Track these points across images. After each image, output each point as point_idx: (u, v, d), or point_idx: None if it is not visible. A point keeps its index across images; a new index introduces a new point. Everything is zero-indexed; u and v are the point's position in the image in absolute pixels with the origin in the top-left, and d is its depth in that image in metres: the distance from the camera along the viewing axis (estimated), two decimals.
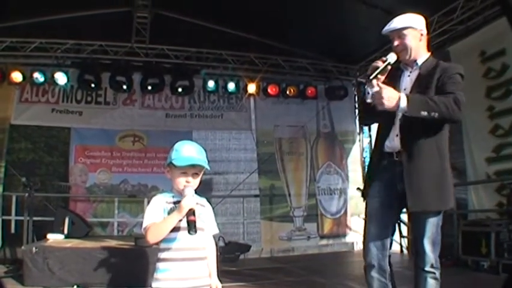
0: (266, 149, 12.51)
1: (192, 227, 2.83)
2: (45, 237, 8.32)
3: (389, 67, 3.58)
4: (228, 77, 12.14)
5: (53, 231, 8.58)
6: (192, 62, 11.85)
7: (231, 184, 12.12)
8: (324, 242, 12.55)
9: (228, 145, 12.34)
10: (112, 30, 10.69)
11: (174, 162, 3.00)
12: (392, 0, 9.32)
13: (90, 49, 11.12)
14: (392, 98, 3.37)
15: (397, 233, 11.36)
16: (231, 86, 12.00)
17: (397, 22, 3.72)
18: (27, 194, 8.46)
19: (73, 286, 6.65)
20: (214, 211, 3.24)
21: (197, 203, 2.98)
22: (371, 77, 3.51)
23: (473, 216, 9.11)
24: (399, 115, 3.58)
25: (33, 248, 6.91)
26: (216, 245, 3.28)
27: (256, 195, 12.25)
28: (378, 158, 3.80)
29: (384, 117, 3.69)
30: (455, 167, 9.36)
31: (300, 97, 12.41)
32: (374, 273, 3.66)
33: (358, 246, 12.51)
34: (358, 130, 13.44)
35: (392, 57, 3.60)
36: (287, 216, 12.35)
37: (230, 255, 10.00)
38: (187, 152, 3.05)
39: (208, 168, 3.07)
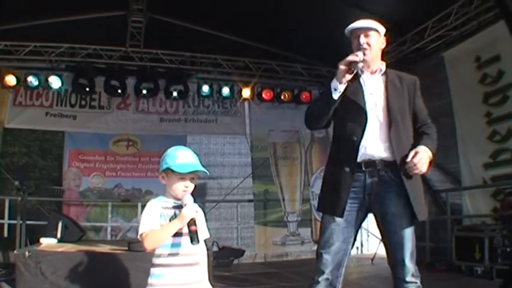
0: (260, 153, 12.51)
1: (194, 237, 2.88)
2: (38, 241, 8.28)
3: (360, 64, 3.47)
4: (222, 82, 12.13)
5: (46, 236, 8.54)
6: (186, 66, 11.83)
7: (225, 189, 12.10)
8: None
9: (222, 150, 12.34)
10: (106, 34, 10.69)
11: (173, 168, 3.00)
12: (386, 7, 9.37)
13: (85, 53, 11.09)
14: (427, 159, 3.42)
15: None
16: (226, 90, 12.00)
17: (364, 22, 3.67)
18: (20, 198, 8.43)
19: None
20: (208, 216, 3.26)
21: (196, 211, 2.99)
22: (353, 70, 3.43)
23: (468, 221, 9.11)
24: (372, 120, 3.50)
25: (26, 252, 6.87)
26: (208, 249, 3.28)
27: (250, 200, 12.25)
28: (350, 166, 3.47)
29: (354, 121, 3.53)
30: (449, 172, 9.40)
31: (294, 102, 12.39)
32: None
33: (352, 251, 12.51)
34: None
35: (361, 56, 3.47)
36: (281, 221, 12.35)
37: (224, 260, 9.99)
38: (185, 158, 3.07)
39: (208, 173, 3.14)
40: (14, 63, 10.78)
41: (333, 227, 3.51)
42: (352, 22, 3.73)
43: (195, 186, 3.11)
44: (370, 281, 8.10)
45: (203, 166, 3.10)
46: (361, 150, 3.46)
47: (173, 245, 2.98)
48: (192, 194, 3.05)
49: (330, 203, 3.57)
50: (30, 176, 10.76)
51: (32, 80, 10.72)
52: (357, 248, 12.98)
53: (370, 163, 3.46)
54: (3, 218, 10.16)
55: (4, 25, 9.50)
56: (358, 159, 3.46)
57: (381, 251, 11.27)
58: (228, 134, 12.49)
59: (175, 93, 11.75)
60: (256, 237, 12.11)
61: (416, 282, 3.41)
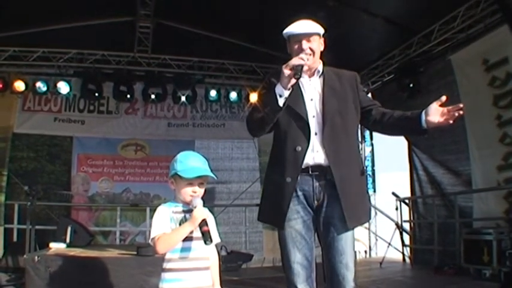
0: (268, 158, 12.46)
1: (207, 237, 2.89)
2: (47, 246, 8.31)
3: (305, 67, 3.36)
4: (230, 87, 12.17)
5: (55, 240, 8.57)
6: (194, 71, 11.86)
7: (234, 193, 12.15)
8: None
9: (230, 154, 12.36)
10: (114, 40, 10.73)
11: (180, 174, 3.02)
12: (392, 9, 9.36)
13: (93, 58, 11.13)
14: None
15: (398, 241, 11.38)
16: (233, 95, 12.03)
17: (307, 26, 3.53)
18: (29, 203, 8.46)
19: None
20: (216, 220, 3.26)
21: (207, 215, 3.00)
22: (297, 76, 3.25)
23: (479, 224, 9.07)
24: (315, 127, 3.40)
25: (36, 257, 6.90)
26: (218, 254, 3.29)
27: (258, 205, 12.17)
28: (292, 175, 3.36)
29: (296, 129, 3.41)
30: (461, 175, 9.37)
31: None
32: None
33: (360, 255, 12.50)
34: (360, 139, 13.43)
35: (306, 59, 3.37)
36: None
37: (232, 265, 9.99)
38: (193, 162, 3.09)
39: (216, 178, 3.11)
40: (23, 69, 10.83)
41: (293, 236, 3.46)
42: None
43: (205, 191, 3.12)
44: (379, 284, 8.06)
45: (212, 171, 3.11)
46: (306, 160, 3.36)
47: (183, 250, 2.99)
48: (202, 198, 3.07)
49: (271, 214, 3.60)
50: (39, 180, 10.79)
51: (41, 86, 10.78)
52: (365, 251, 12.97)
53: (316, 167, 3.36)
54: (12, 223, 10.23)
55: (13, 31, 9.55)
56: (304, 166, 3.36)
57: (390, 254, 11.30)
58: (236, 138, 12.49)
59: (183, 98, 11.74)
60: (265, 242, 12.10)
61: None
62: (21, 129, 11.00)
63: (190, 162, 3.07)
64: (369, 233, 12.93)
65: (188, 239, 2.97)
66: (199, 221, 2.90)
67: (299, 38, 3.50)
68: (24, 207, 9.26)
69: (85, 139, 11.47)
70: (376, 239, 12.70)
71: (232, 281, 8.22)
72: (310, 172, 3.36)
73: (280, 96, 3.30)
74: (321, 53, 3.60)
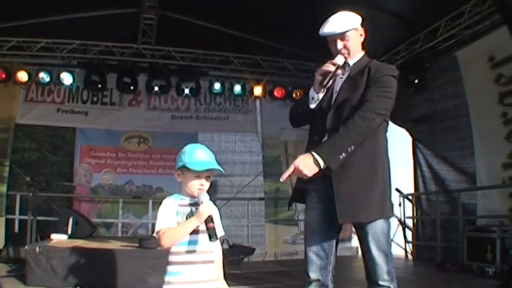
0: (272, 151, 12.49)
1: (213, 234, 2.86)
2: (48, 237, 8.32)
3: (338, 71, 3.37)
4: (234, 79, 12.15)
5: (56, 231, 8.58)
6: (198, 63, 11.83)
7: (236, 187, 12.11)
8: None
9: (233, 147, 12.33)
10: (119, 31, 10.71)
11: (188, 166, 2.98)
12: (399, 5, 9.31)
13: (97, 50, 11.11)
14: (309, 164, 3.16)
15: (401, 237, 11.35)
16: (237, 88, 12.01)
17: (339, 24, 3.46)
18: (31, 194, 8.45)
19: (76, 287, 6.64)
20: (219, 213, 3.23)
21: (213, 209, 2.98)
22: (325, 83, 3.32)
23: (483, 221, 9.03)
24: (330, 122, 3.38)
25: (37, 248, 6.90)
26: (221, 247, 3.27)
27: (261, 198, 12.24)
28: None
29: (319, 121, 3.47)
30: (466, 173, 9.32)
31: None
32: None
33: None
34: None
35: (341, 60, 3.37)
36: (292, 220, 12.28)
37: (234, 258, 9.96)
38: (201, 155, 3.06)
39: (224, 171, 3.10)
40: (26, 60, 10.80)
41: (312, 226, 3.48)
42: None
43: (210, 184, 3.10)
44: None
45: (219, 164, 3.09)
46: None
47: (190, 243, 2.96)
48: (207, 191, 3.04)
49: (295, 193, 3.65)
50: (41, 172, 10.80)
51: (44, 76, 10.74)
52: None
53: None
54: (14, 214, 10.21)
55: (17, 21, 9.53)
56: None
57: (392, 250, 11.25)
58: (239, 131, 12.48)
59: (187, 91, 11.74)
60: (267, 236, 12.11)
61: (389, 287, 3.30)
62: (24, 120, 10.97)
63: (199, 155, 3.05)
64: None
65: (194, 232, 2.95)
66: (206, 217, 2.87)
67: (333, 38, 3.48)
68: (26, 198, 9.26)
69: (88, 130, 11.43)
70: None
71: (234, 274, 8.17)
72: None
73: (313, 98, 3.40)
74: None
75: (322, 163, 3.11)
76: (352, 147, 3.16)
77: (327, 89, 3.43)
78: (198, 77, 11.81)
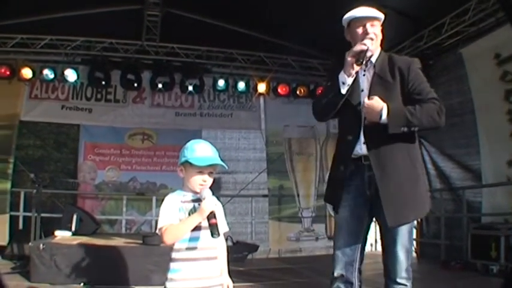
0: (275, 148, 12.48)
1: (215, 230, 2.87)
2: (52, 234, 8.33)
3: (369, 53, 3.35)
4: (238, 76, 12.14)
5: (60, 228, 8.59)
6: (202, 60, 11.81)
7: (240, 184, 12.11)
8: (332, 243, 12.47)
9: (237, 144, 12.31)
10: (123, 28, 10.69)
11: (191, 161, 2.98)
12: (404, 2, 9.27)
13: (101, 46, 11.12)
14: (376, 110, 3.22)
15: None
16: (241, 85, 11.99)
17: (369, 10, 3.44)
18: (35, 190, 8.46)
19: (80, 283, 6.64)
20: (223, 210, 3.22)
21: (215, 204, 2.98)
22: (360, 61, 3.27)
23: (488, 219, 9.00)
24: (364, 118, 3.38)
25: (41, 245, 6.90)
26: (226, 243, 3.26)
27: (264, 195, 12.23)
28: (345, 164, 3.45)
29: (350, 118, 3.46)
30: (471, 170, 9.29)
31: (310, 97, 12.22)
32: (340, 284, 3.43)
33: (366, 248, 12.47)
34: None
35: (369, 43, 3.33)
36: (295, 217, 12.32)
37: (238, 255, 9.96)
38: (204, 151, 3.05)
39: (227, 167, 3.12)
40: (30, 56, 10.81)
41: (340, 223, 3.51)
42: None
43: (213, 180, 3.09)
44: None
45: (222, 160, 3.08)
46: (356, 150, 3.39)
47: (192, 239, 2.96)
48: (210, 188, 3.03)
49: (330, 198, 3.59)
50: (45, 168, 10.80)
51: (48, 73, 10.75)
52: (371, 244, 12.90)
53: (366, 157, 3.36)
54: (18, 210, 10.23)
55: (20, 18, 9.52)
56: (355, 156, 3.40)
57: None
58: (243, 128, 12.45)
59: (190, 88, 11.75)
60: (271, 233, 12.09)
61: (406, 285, 3.32)
62: (28, 117, 10.96)
63: (201, 151, 3.05)
64: (375, 226, 12.86)
65: (197, 228, 2.95)
66: (208, 213, 2.87)
67: (363, 22, 3.43)
68: (30, 195, 9.29)
69: (92, 127, 11.44)
70: None
71: (238, 271, 8.18)
72: (362, 161, 3.38)
73: (344, 83, 3.35)
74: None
75: (384, 118, 3.19)
76: (416, 128, 3.25)
77: (353, 87, 3.39)
78: (202, 74, 11.83)
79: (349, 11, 3.51)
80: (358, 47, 3.29)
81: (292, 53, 11.92)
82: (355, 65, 3.30)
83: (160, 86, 11.63)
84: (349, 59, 3.31)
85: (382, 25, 3.52)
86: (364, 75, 3.48)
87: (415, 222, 3.46)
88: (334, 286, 3.46)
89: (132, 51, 11.35)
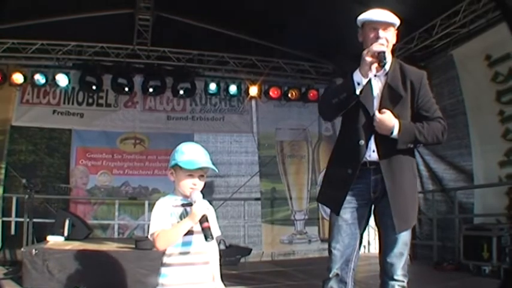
0: (267, 152, 12.48)
1: (208, 234, 2.84)
2: (45, 239, 8.31)
3: (388, 56, 3.32)
4: (229, 80, 12.11)
5: (53, 233, 8.57)
6: (193, 64, 11.82)
7: (232, 187, 12.07)
8: (325, 245, 12.47)
9: (229, 148, 12.29)
10: (114, 32, 10.67)
11: (181, 164, 2.97)
12: (395, 4, 9.28)
13: (92, 51, 11.09)
14: (388, 125, 3.28)
15: None
16: (233, 88, 11.97)
17: (385, 15, 3.39)
18: (27, 196, 8.44)
19: None
20: (215, 214, 3.21)
21: (207, 208, 2.95)
22: (383, 63, 3.23)
23: (480, 220, 9.04)
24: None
25: (33, 250, 6.89)
26: (218, 247, 3.25)
27: (257, 198, 12.22)
28: (353, 167, 3.40)
29: (360, 122, 3.42)
30: (463, 171, 9.34)
31: (301, 100, 12.34)
32: (334, 284, 3.48)
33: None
34: None
35: (384, 47, 3.30)
36: (288, 220, 12.31)
37: (231, 259, 9.95)
38: (194, 154, 3.02)
39: (217, 171, 3.05)
40: (21, 61, 10.79)
41: (340, 224, 3.50)
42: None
43: (205, 184, 3.07)
44: (378, 279, 8.05)
45: (213, 164, 3.06)
46: (367, 155, 3.40)
47: (184, 244, 2.95)
48: (202, 191, 3.02)
49: (330, 199, 3.60)
50: (37, 174, 10.74)
51: (39, 78, 10.73)
52: (364, 246, 12.94)
53: (374, 163, 3.40)
54: (10, 216, 10.18)
55: (11, 23, 9.50)
56: (363, 160, 3.41)
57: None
58: (235, 132, 12.44)
59: (182, 91, 11.73)
60: (263, 236, 12.08)
61: (403, 281, 3.43)
62: (19, 122, 10.93)
63: (192, 154, 3.01)
64: (368, 228, 12.88)
65: (188, 233, 2.93)
66: (199, 217, 2.84)
67: (376, 25, 3.40)
68: (22, 200, 9.27)
69: (84, 132, 11.39)
70: (375, 234, 12.67)
71: (231, 275, 8.18)
72: (368, 166, 3.41)
73: (358, 84, 3.30)
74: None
75: (395, 134, 3.28)
76: (421, 145, 3.43)
77: (365, 90, 3.37)
78: (194, 78, 11.82)
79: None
80: (378, 47, 3.25)
81: (284, 56, 11.94)
82: (373, 67, 3.27)
83: (151, 90, 11.59)
84: (367, 58, 3.24)
85: (397, 29, 3.50)
86: (377, 80, 3.47)
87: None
88: (328, 286, 3.49)
89: (124, 55, 11.32)
